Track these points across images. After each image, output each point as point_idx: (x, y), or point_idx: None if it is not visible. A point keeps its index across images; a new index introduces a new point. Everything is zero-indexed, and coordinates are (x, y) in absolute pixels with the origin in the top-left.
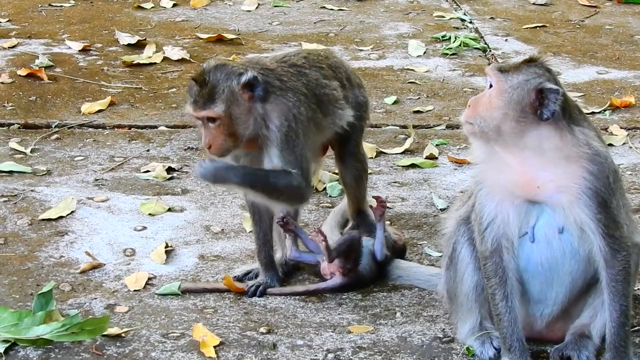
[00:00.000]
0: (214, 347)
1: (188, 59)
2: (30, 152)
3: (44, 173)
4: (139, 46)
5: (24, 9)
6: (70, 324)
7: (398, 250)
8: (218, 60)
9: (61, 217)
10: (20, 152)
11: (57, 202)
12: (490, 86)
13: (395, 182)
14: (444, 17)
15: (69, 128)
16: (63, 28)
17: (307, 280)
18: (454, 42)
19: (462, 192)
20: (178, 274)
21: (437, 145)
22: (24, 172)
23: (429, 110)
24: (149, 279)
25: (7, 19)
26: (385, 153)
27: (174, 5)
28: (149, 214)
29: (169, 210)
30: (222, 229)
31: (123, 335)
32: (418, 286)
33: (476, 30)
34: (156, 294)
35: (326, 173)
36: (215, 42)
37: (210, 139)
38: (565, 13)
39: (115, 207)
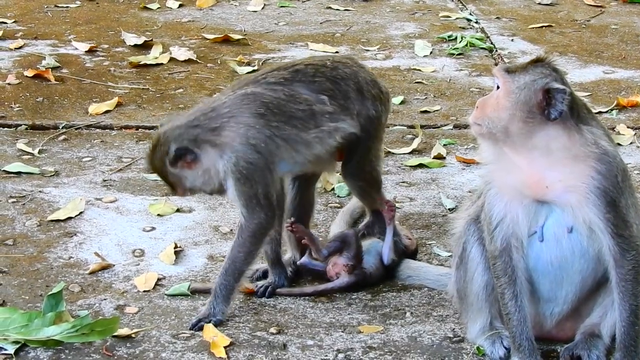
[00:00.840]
0: (224, 347)
1: (195, 59)
2: (38, 153)
3: (52, 174)
4: (146, 47)
5: (30, 10)
6: (80, 324)
7: (409, 255)
8: (151, 143)
9: (70, 218)
10: (28, 153)
11: (66, 203)
12: (498, 87)
13: (403, 182)
14: (449, 17)
15: (76, 129)
16: (69, 29)
17: (316, 281)
18: (460, 42)
19: (470, 191)
20: (187, 275)
21: (444, 145)
22: (32, 173)
23: (436, 110)
24: (159, 279)
25: (13, 20)
26: (393, 153)
27: (180, 5)
28: (158, 215)
29: (178, 210)
30: (231, 229)
31: (133, 336)
32: (427, 286)
33: (482, 30)
34: (166, 294)
35: (334, 174)
36: (221, 42)
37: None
38: (570, 13)
39: (124, 207)
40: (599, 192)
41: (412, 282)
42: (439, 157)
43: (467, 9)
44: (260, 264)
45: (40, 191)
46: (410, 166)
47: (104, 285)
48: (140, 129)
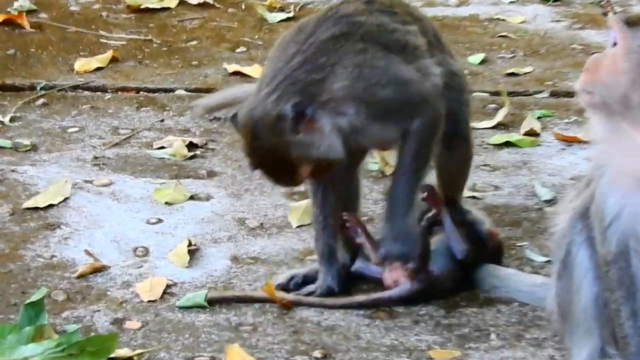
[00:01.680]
0: None
1: (212, 3)
2: (10, 121)
3: (28, 148)
4: None
5: None
6: (67, 342)
7: (493, 249)
8: (246, 131)
9: (51, 206)
10: None
11: (46, 186)
12: (615, 44)
13: (485, 165)
14: None
15: (59, 91)
16: None
17: (372, 291)
18: None
19: (573, 179)
20: (205, 281)
21: (538, 118)
22: (2, 147)
23: (527, 73)
24: (168, 286)
25: None
26: (471, 127)
27: None
28: (166, 203)
29: (192, 198)
30: (261, 223)
31: (135, 358)
32: (518, 300)
33: None
34: (177, 306)
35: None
36: None
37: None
38: None
39: (122, 193)
40: None
41: (498, 294)
42: (532, 133)
43: None
44: (300, 269)
45: (12, 170)
46: (494, 145)
47: (96, 293)
48: (141, 92)
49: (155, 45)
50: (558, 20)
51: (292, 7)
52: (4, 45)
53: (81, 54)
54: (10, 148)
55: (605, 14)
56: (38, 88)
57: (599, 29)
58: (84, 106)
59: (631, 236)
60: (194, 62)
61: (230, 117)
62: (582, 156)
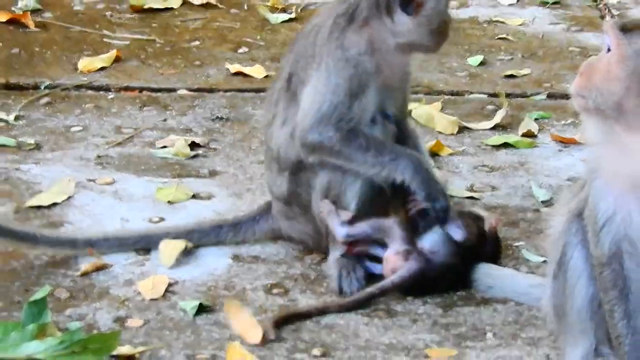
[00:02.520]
0: None
1: (214, 3)
2: (14, 119)
3: (32, 147)
4: None
5: None
6: (70, 340)
7: (492, 240)
8: None
9: (55, 204)
10: (1, 120)
11: (50, 185)
12: (609, 49)
13: (483, 166)
14: None
15: (62, 90)
16: None
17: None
18: None
19: (569, 180)
20: (206, 279)
21: (536, 119)
22: (6, 146)
23: (525, 75)
24: (169, 284)
25: None
26: (470, 128)
27: None
28: (168, 202)
29: (194, 197)
30: None
31: (137, 356)
32: (514, 299)
33: None
34: (182, 309)
35: None
36: None
37: None
38: None
39: (124, 191)
40: None
41: (494, 294)
42: (529, 134)
43: None
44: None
45: (16, 169)
46: (493, 145)
47: (99, 291)
48: (144, 92)
49: (158, 45)
50: (556, 23)
51: (294, 8)
52: (8, 44)
53: (85, 53)
54: (14, 146)
55: (602, 17)
56: (42, 87)
57: (597, 32)
58: (87, 105)
59: (624, 239)
60: (197, 62)
61: None
62: (579, 158)
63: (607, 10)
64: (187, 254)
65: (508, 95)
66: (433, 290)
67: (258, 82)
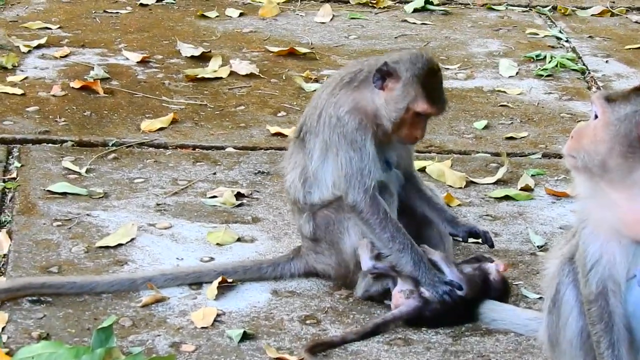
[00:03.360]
0: None
1: (257, 73)
2: (86, 172)
3: (101, 196)
4: (203, 59)
5: (77, 15)
6: None
7: (498, 284)
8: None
9: (120, 245)
10: (75, 172)
11: (116, 228)
12: (596, 116)
13: (487, 215)
14: (537, 34)
15: (127, 147)
16: (120, 37)
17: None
18: (549, 62)
19: (561, 228)
20: (249, 311)
21: (532, 175)
22: (79, 194)
23: (523, 137)
24: (218, 315)
25: (58, 26)
26: (476, 183)
27: (241, 14)
28: (217, 244)
29: (239, 240)
30: None
31: None
32: (514, 331)
33: (573, 50)
34: (228, 336)
35: None
36: (286, 55)
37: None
38: None
39: (180, 235)
40: None
41: (496, 326)
42: (527, 188)
43: (556, 26)
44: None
45: (87, 214)
46: (495, 198)
47: (157, 320)
48: (197, 149)
49: (209, 109)
50: (550, 93)
51: (325, 78)
52: (81, 107)
53: (146, 116)
54: (86, 195)
55: (589, 88)
56: (110, 144)
57: (585, 101)
58: (148, 160)
59: (609, 279)
60: (242, 124)
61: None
62: (570, 209)
63: (593, 82)
64: (232, 288)
65: (509, 155)
66: (435, 325)
67: None
